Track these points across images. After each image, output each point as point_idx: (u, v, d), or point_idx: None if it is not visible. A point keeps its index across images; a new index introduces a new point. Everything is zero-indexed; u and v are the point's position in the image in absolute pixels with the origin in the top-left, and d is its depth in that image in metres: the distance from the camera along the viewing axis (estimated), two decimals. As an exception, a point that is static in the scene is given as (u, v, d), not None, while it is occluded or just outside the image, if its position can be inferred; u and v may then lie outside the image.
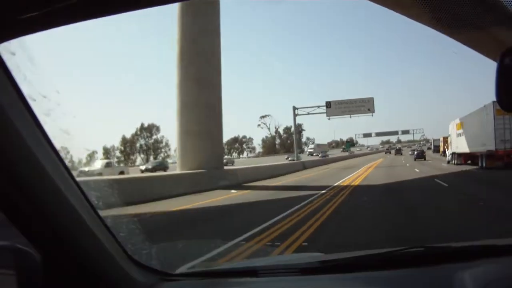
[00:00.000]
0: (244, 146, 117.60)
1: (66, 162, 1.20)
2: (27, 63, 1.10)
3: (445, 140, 41.96)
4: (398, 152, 77.78)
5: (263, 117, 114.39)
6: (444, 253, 1.50)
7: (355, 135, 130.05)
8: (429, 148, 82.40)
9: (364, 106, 50.08)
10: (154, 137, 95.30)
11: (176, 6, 21.33)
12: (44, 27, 0.98)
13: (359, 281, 1.43)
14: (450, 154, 33.54)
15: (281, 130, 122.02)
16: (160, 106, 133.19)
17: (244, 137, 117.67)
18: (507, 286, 1.27)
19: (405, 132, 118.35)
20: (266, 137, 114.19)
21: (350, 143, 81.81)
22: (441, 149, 52.11)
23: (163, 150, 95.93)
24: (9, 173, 1.02)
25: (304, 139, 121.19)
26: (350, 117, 51.12)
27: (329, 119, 51.17)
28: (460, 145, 29.15)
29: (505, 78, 1.17)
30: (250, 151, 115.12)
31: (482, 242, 1.59)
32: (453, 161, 31.38)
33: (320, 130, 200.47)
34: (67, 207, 1.16)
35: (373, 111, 49.83)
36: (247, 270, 1.62)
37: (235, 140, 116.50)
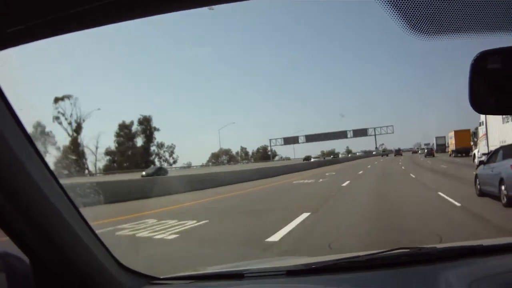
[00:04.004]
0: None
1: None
2: (15, 74, 1.13)
3: (461, 134, 32.24)
4: (398, 153, 67.26)
5: (59, 100, 55.63)
6: (428, 253, 1.53)
7: (270, 141, 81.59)
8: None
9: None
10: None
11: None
12: (31, 39, 1.02)
13: (344, 282, 1.46)
14: (482, 154, 20.08)
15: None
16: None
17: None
18: (490, 285, 1.31)
19: (360, 132, 75.82)
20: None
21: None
22: (450, 147, 41.04)
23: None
24: None
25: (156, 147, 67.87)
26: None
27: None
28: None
29: (477, 82, 1.21)
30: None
31: (466, 243, 1.62)
32: None
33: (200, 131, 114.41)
34: (55, 213, 1.18)
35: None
36: (233, 273, 1.65)
37: None
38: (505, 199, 8.39)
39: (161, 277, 1.58)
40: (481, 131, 22.08)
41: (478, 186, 10.50)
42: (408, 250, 1.54)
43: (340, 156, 72.42)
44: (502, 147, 10.46)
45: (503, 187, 8.54)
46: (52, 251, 1.21)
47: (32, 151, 1.15)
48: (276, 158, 78.43)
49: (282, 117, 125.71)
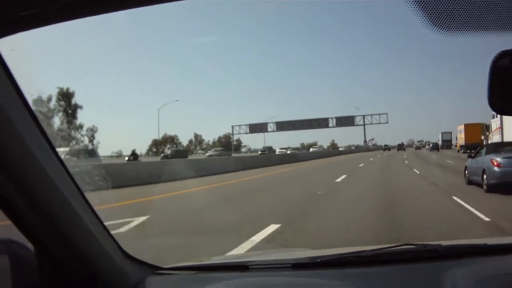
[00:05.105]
0: None
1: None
2: (26, 59, 1.09)
3: (472, 128, 28.16)
4: (400, 147, 58.38)
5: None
6: (434, 250, 1.54)
7: (232, 128, 68.13)
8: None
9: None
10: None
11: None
12: (44, 23, 0.98)
13: (349, 277, 1.46)
14: None
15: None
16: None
17: None
18: (496, 285, 1.31)
19: (345, 121, 62.08)
20: None
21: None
22: (459, 142, 37.00)
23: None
24: (3, 165, 1.02)
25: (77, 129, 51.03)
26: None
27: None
28: None
29: (497, 81, 1.18)
30: None
31: (471, 241, 1.64)
32: None
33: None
34: (61, 200, 1.16)
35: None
36: (238, 264, 1.64)
37: None
38: (486, 186, 10.25)
39: (165, 266, 1.58)
40: (495, 124, 20.45)
41: (467, 177, 12.21)
42: (413, 246, 1.55)
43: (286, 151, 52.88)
44: (486, 145, 12.82)
45: (484, 177, 10.36)
46: (57, 239, 1.19)
47: (39, 135, 1.11)
48: (243, 149, 63.59)
49: (254, 100, 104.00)
